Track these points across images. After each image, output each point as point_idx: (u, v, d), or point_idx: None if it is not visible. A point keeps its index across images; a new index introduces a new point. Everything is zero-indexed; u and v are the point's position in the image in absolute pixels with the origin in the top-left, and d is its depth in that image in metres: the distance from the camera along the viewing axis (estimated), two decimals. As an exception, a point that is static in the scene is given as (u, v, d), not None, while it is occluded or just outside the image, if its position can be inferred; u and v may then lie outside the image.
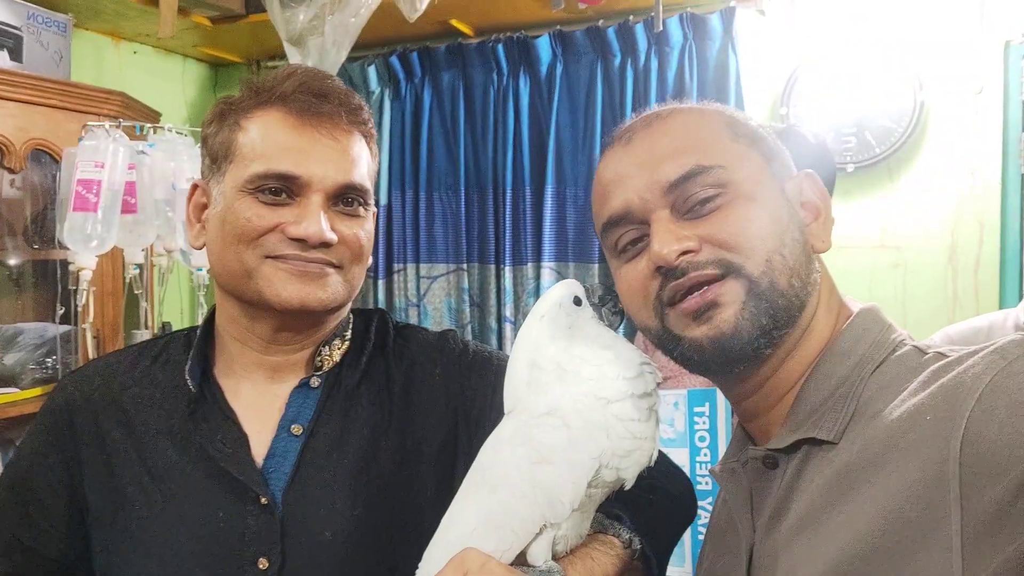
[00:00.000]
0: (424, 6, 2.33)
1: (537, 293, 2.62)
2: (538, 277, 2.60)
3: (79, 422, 0.99)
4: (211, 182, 0.98)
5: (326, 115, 0.95)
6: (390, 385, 1.02)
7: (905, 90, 2.23)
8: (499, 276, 2.67)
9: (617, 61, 2.50)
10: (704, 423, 1.48)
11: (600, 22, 2.48)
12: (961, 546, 0.58)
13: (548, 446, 0.78)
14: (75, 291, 1.79)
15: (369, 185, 0.99)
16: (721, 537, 0.83)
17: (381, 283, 2.81)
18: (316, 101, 0.94)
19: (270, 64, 3.01)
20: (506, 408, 0.85)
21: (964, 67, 2.19)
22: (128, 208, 1.77)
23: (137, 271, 1.88)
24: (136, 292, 1.94)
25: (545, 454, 0.78)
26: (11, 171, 1.96)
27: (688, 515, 1.03)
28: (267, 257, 0.93)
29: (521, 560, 0.80)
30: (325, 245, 0.93)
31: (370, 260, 1.02)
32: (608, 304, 0.86)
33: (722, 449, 1.46)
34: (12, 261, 2.17)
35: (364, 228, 0.98)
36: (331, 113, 0.95)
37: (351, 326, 1.05)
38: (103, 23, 2.55)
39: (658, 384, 0.83)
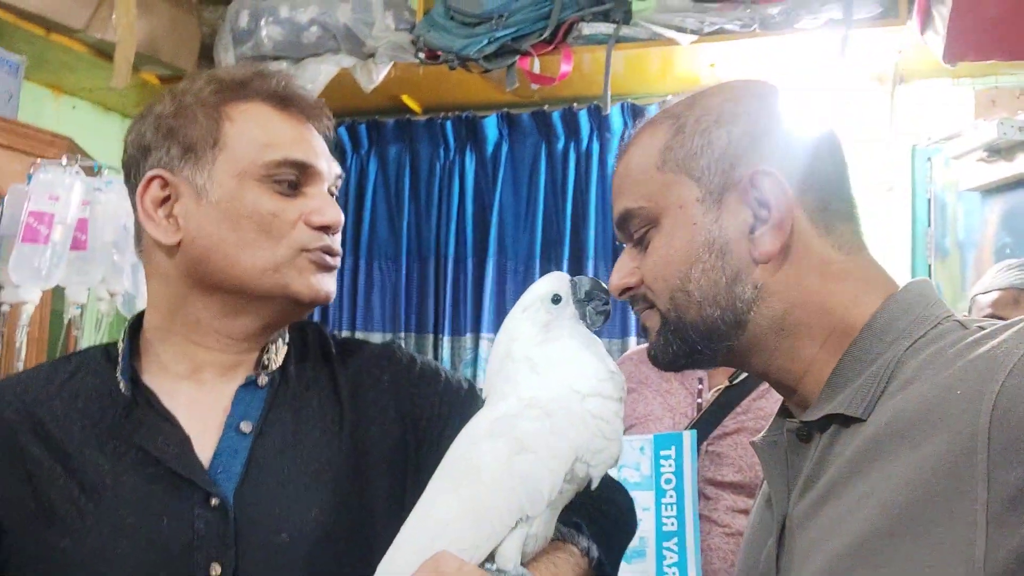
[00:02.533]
0: (380, 78, 2.42)
1: (474, 364, 2.64)
2: (476, 347, 2.63)
3: None
4: (183, 172, 0.93)
5: (306, 108, 0.97)
6: (337, 390, 0.99)
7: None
8: (437, 346, 2.68)
9: (561, 143, 2.63)
10: (670, 466, 1.51)
11: (546, 106, 2.62)
12: (986, 522, 0.59)
13: (530, 435, 0.79)
14: (10, 332, 1.70)
15: None
16: (760, 513, 0.85)
17: (314, 350, 2.77)
18: (291, 97, 0.97)
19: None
20: (484, 395, 0.87)
21: (875, 167, 2.42)
22: (78, 244, 1.72)
23: (79, 311, 1.81)
24: (75, 333, 1.86)
25: (527, 443, 0.79)
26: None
27: (632, 529, 1.04)
28: (301, 250, 0.92)
29: (490, 562, 0.79)
30: (333, 231, 0.95)
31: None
32: (594, 302, 0.87)
33: (688, 490, 1.50)
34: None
35: None
36: (307, 106, 0.97)
37: (289, 333, 1.03)
38: (47, 74, 2.51)
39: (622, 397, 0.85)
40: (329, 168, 0.97)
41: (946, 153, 2.26)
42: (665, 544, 1.51)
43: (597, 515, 0.92)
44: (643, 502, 1.54)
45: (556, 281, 0.87)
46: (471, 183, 2.69)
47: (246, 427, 0.92)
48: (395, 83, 2.51)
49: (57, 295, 1.99)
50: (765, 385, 1.65)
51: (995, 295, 1.74)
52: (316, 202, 0.93)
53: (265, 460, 0.91)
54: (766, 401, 1.60)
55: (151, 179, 0.94)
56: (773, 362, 0.78)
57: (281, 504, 0.89)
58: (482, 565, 0.78)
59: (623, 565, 1.55)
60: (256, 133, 0.93)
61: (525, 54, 2.28)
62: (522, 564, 0.80)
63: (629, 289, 0.81)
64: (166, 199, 0.93)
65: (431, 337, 2.70)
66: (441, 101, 2.72)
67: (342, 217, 0.95)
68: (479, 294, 2.64)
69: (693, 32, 2.20)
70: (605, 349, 0.88)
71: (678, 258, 0.77)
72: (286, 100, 0.96)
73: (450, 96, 2.67)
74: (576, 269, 2.58)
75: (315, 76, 2.37)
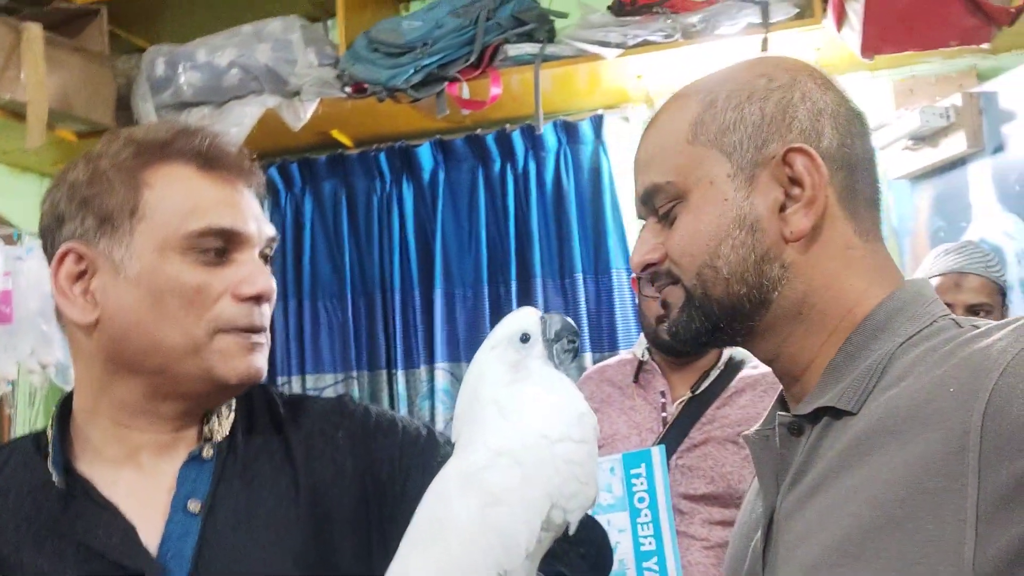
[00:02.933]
0: (308, 115, 2.37)
1: (431, 396, 2.59)
2: (432, 379, 2.59)
3: None
4: (99, 245, 0.87)
5: (233, 166, 0.90)
6: (290, 454, 0.93)
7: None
8: (391, 381, 2.63)
9: (497, 166, 2.61)
10: (642, 484, 1.50)
11: (479, 130, 2.60)
12: (976, 519, 0.59)
13: (501, 487, 0.77)
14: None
15: None
16: (751, 507, 0.84)
17: (264, 398, 2.69)
18: (217, 153, 0.90)
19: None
20: (453, 438, 0.84)
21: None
22: (2, 317, 1.64)
23: (10, 387, 1.71)
24: (8, 411, 1.76)
25: (499, 495, 0.76)
26: None
27: (609, 564, 1.01)
28: (219, 331, 0.86)
29: None
30: (265, 301, 0.89)
31: None
32: (561, 341, 0.84)
33: (663, 507, 1.49)
34: None
35: None
36: (234, 164, 0.91)
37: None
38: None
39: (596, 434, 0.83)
40: (260, 231, 0.90)
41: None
42: (645, 564, 1.50)
43: (577, 560, 0.89)
44: (618, 524, 1.53)
45: (525, 319, 0.84)
46: (411, 213, 2.66)
47: (194, 506, 0.87)
48: (324, 119, 2.47)
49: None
50: (728, 392, 1.66)
51: (936, 280, 1.77)
52: (245, 270, 0.87)
53: (218, 538, 0.86)
54: (730, 408, 1.61)
55: (65, 253, 0.87)
56: (784, 348, 0.77)
57: None
58: None
59: (604, 591, 1.53)
60: (178, 200, 0.86)
61: (453, 80, 2.27)
62: None
63: (651, 265, 0.80)
64: (82, 273, 0.87)
65: (384, 373, 2.65)
66: (372, 133, 2.68)
67: (273, 285, 0.89)
68: (429, 324, 2.60)
69: (617, 46, 2.21)
70: (575, 387, 0.85)
71: (707, 233, 0.76)
72: (211, 160, 0.89)
73: (381, 128, 2.64)
74: (524, 289, 2.56)
75: (240, 119, 2.32)
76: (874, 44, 1.95)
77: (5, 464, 0.91)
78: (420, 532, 0.80)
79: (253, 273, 0.87)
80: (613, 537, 1.53)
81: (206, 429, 0.91)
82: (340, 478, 0.93)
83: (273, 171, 2.72)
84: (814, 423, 0.74)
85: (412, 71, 2.24)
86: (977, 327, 0.70)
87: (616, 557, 1.52)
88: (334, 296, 2.70)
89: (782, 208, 0.75)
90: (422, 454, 0.95)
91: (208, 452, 0.90)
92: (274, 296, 0.90)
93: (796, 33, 2.16)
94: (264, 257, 0.91)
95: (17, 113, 2.27)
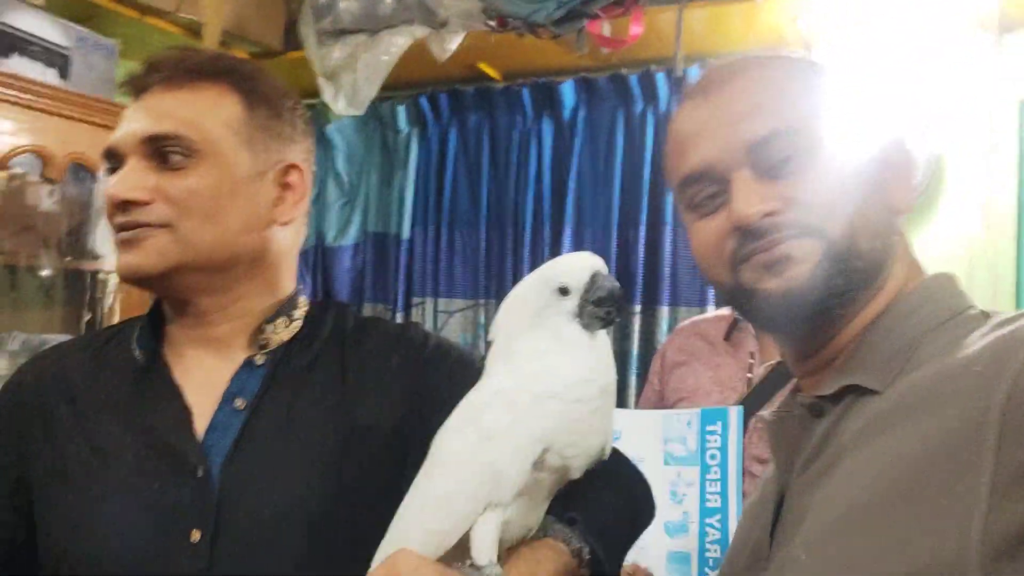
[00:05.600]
0: (454, 47, 2.43)
1: (551, 331, 2.64)
2: (553, 315, 2.63)
3: (29, 401, 1.00)
4: None
5: (151, 82, 0.96)
6: (344, 372, 1.00)
7: (921, 144, 2.27)
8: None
9: (639, 108, 2.57)
10: (716, 441, 1.49)
11: (623, 70, 2.56)
12: (988, 495, 0.58)
13: (493, 424, 0.80)
14: (101, 299, 1.84)
15: (194, 133, 0.94)
16: (762, 489, 0.84)
17: (400, 316, 2.85)
18: (145, 76, 0.96)
19: (305, 101, 3.12)
20: (487, 361, 0.87)
21: (980, 123, 2.23)
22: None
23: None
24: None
25: (491, 433, 0.80)
26: (51, 182, 2.05)
27: (645, 520, 1.01)
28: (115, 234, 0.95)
29: (465, 553, 0.79)
30: (134, 204, 0.91)
31: (283, 216, 1.00)
32: (599, 307, 0.82)
33: (732, 467, 1.48)
34: (44, 272, 2.25)
35: (193, 180, 0.93)
36: (153, 81, 0.96)
37: (307, 312, 1.04)
38: (143, 55, 2.66)
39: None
40: (131, 136, 0.93)
41: (1055, 108, 2.06)
42: (708, 520, 1.49)
43: (597, 508, 0.90)
44: (688, 477, 1.52)
45: (574, 272, 0.82)
46: (549, 150, 2.67)
47: (240, 404, 0.96)
48: (470, 51, 2.51)
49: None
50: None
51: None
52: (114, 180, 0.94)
53: (256, 437, 0.94)
54: (821, 377, 1.54)
55: None
56: (851, 325, 0.74)
57: (267, 481, 0.93)
58: (457, 562, 0.78)
59: (666, 540, 1.54)
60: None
61: (595, 17, 2.23)
62: (502, 555, 0.80)
63: (770, 215, 0.73)
64: None
65: (510, 304, 2.72)
66: (519, 67, 2.71)
67: (125, 189, 0.91)
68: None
69: (771, -14, 2.09)
70: (603, 344, 0.83)
71: (852, 182, 0.73)
72: (140, 85, 0.97)
73: (528, 62, 2.65)
74: (654, 236, 2.53)
75: (389, 48, 2.41)
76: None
77: (110, 339, 1.06)
78: (429, 458, 0.85)
79: (113, 182, 0.94)
80: (680, 489, 1.53)
81: (261, 336, 1.00)
82: (386, 400, 0.99)
83: (423, 100, 2.82)
84: (835, 405, 0.72)
85: (555, 6, 2.22)
86: (1005, 316, 0.68)
87: (681, 509, 1.53)
88: (470, 225, 2.79)
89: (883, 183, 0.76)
90: (470, 385, 0.98)
91: (260, 359, 1.00)
92: (131, 195, 0.91)
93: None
94: (162, 155, 0.93)
95: (197, 33, 2.49)
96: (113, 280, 1.80)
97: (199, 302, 0.99)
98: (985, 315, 0.71)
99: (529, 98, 2.68)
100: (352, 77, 2.50)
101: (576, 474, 0.83)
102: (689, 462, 1.53)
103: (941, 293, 0.74)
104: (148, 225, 0.92)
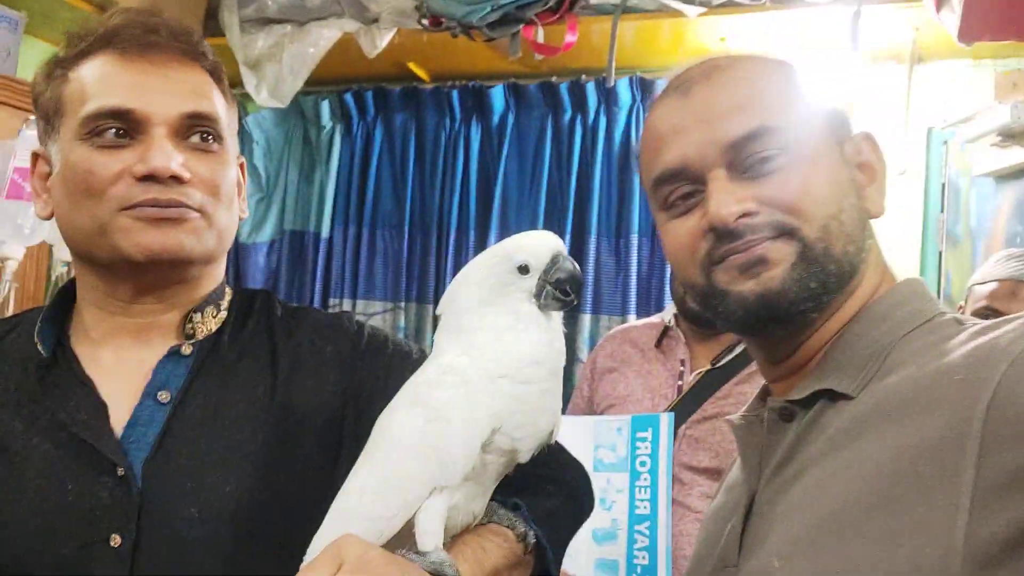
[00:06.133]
0: (384, 44, 2.38)
1: (473, 336, 2.62)
2: (475, 320, 2.61)
3: None
4: (48, 146, 0.91)
5: (156, 46, 0.89)
6: (275, 361, 0.95)
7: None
8: (436, 317, 2.66)
9: (567, 116, 2.58)
10: (647, 448, 1.49)
11: (553, 78, 2.57)
12: (970, 504, 0.58)
13: (444, 403, 0.77)
14: (-6, 285, 1.71)
15: (223, 118, 0.92)
16: (726, 494, 0.82)
17: (315, 317, 2.77)
18: (144, 34, 0.89)
19: (222, 91, 3.00)
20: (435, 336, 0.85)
21: (889, 149, 2.33)
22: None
23: (66, 268, 1.81)
24: (62, 291, 1.87)
25: (441, 412, 0.77)
26: (-58, 160, 1.89)
27: (586, 510, 0.99)
28: (122, 209, 0.86)
29: (409, 540, 0.76)
30: (177, 180, 0.86)
31: (241, 211, 0.97)
32: (558, 291, 0.80)
33: (663, 474, 1.48)
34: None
35: (223, 167, 0.91)
36: (162, 44, 0.89)
37: (232, 300, 0.99)
38: (50, 30, 2.50)
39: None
40: (168, 108, 0.87)
41: (960, 137, 2.18)
42: (637, 527, 1.49)
43: (542, 495, 0.89)
44: (617, 484, 1.53)
45: (536, 250, 0.80)
46: (476, 154, 2.66)
47: (164, 396, 0.90)
48: (401, 50, 2.48)
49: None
50: (748, 370, 1.61)
51: (992, 286, 1.67)
52: (139, 152, 0.86)
53: (182, 431, 0.88)
54: (749, 386, 1.57)
55: (35, 157, 0.94)
56: (823, 327, 0.74)
57: (194, 478, 0.87)
58: (401, 549, 0.75)
59: (594, 546, 1.54)
60: (84, 88, 0.88)
61: (530, 23, 2.23)
62: (447, 543, 0.78)
63: (746, 216, 0.71)
64: (48, 174, 0.93)
65: (431, 307, 2.68)
66: (449, 69, 2.68)
67: (170, 163, 0.85)
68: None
69: (702, 3, 2.14)
70: (556, 326, 0.81)
71: (829, 186, 0.73)
72: (131, 41, 0.88)
73: (458, 65, 2.63)
74: (578, 244, 2.54)
75: (317, 40, 2.35)
76: (973, 30, 1.82)
77: (10, 331, 0.97)
78: (372, 439, 0.81)
79: (148, 151, 0.86)
80: (610, 496, 1.53)
81: (188, 326, 0.94)
82: (319, 391, 0.95)
83: (349, 97, 2.75)
84: (806, 409, 0.71)
85: (490, 8, 2.21)
86: (980, 324, 0.68)
87: (610, 515, 1.53)
88: (393, 227, 2.74)
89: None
90: (409, 374, 0.95)
91: (187, 349, 0.93)
92: (181, 172, 0.86)
93: (892, 9, 2.04)
94: (201, 136, 0.89)
95: (106, 10, 2.35)
96: (10, 267, 1.67)
97: (163, 293, 0.93)
98: (958, 321, 0.70)
99: (458, 101, 2.66)
100: (276, 68, 2.42)
101: (524, 457, 0.80)
102: (619, 468, 1.53)
103: (912, 298, 0.74)
104: (187, 207, 0.87)
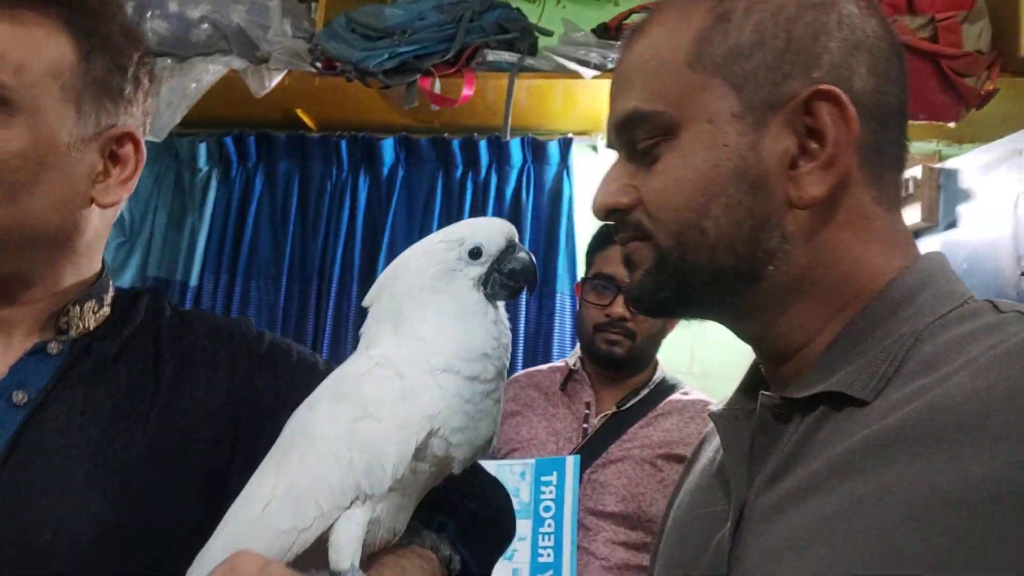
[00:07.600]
0: (272, 84, 2.30)
1: (352, 394, 2.49)
2: (355, 377, 2.49)
3: None
4: None
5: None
6: (158, 366, 0.84)
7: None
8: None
9: (459, 172, 2.57)
10: (551, 492, 1.43)
11: (446, 134, 2.56)
12: None
13: (375, 399, 0.68)
14: None
15: (9, 77, 0.77)
16: (702, 494, 0.71)
17: (177, 372, 2.56)
18: None
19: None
20: (361, 330, 0.77)
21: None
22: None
23: None
24: None
25: (371, 408, 0.68)
26: None
27: (509, 536, 0.93)
28: None
29: (320, 557, 0.66)
30: None
31: (36, 193, 0.79)
32: (510, 278, 0.74)
33: (567, 520, 1.41)
34: None
35: (12, 135, 0.77)
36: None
37: (115, 297, 0.88)
38: None
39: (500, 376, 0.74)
40: None
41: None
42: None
43: (465, 517, 0.81)
44: (520, 531, 1.44)
45: (491, 234, 0.74)
46: (363, 205, 2.59)
47: (20, 398, 0.78)
48: (290, 95, 2.40)
49: None
50: (654, 413, 1.60)
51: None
52: None
53: (40, 440, 0.76)
54: (653, 429, 1.55)
55: None
56: (774, 327, 0.64)
57: (50, 494, 0.74)
58: (311, 568, 0.65)
59: (493, 601, 1.44)
60: None
61: (427, 74, 2.22)
62: (363, 563, 0.67)
63: (617, 211, 0.65)
64: None
65: (308, 364, 2.54)
66: (337, 119, 2.62)
67: None
68: (362, 320, 2.50)
69: (596, 67, 2.20)
70: (503, 318, 0.75)
71: (697, 185, 0.62)
72: None
73: (347, 114, 2.58)
74: (466, 301, 2.49)
75: (201, 75, 2.23)
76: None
77: None
78: (279, 445, 0.71)
79: None
80: (512, 544, 1.44)
81: (63, 319, 0.82)
82: (209, 401, 0.84)
83: (228, 140, 2.63)
84: (808, 410, 0.61)
85: (387, 56, 2.19)
86: (1023, 313, 0.58)
87: (511, 565, 1.44)
88: (270, 278, 2.60)
89: (792, 164, 0.61)
90: (315, 384, 0.86)
91: (56, 348, 0.81)
92: None
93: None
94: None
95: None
96: None
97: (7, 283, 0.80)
98: (993, 305, 0.59)
99: (346, 151, 2.60)
100: (153, 100, 2.28)
101: (457, 468, 0.72)
102: (522, 515, 1.45)
103: (936, 277, 0.62)
104: None
